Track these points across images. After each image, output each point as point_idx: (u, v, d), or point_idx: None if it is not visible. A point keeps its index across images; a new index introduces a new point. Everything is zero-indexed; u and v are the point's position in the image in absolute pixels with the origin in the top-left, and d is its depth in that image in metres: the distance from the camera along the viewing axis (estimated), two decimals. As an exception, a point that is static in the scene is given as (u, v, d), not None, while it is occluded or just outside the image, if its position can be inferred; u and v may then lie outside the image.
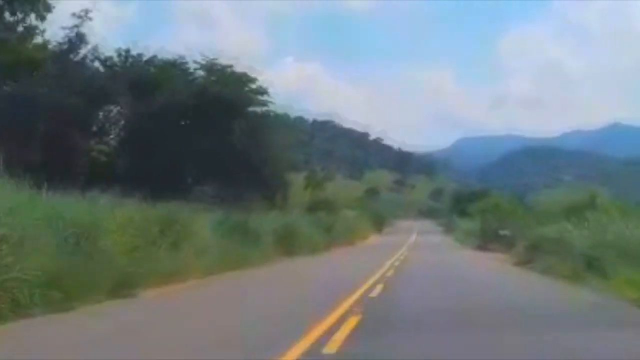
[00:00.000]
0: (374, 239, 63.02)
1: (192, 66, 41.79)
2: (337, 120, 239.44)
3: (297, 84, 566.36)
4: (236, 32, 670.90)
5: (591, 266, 17.38)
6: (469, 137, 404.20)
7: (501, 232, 39.48)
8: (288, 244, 32.49)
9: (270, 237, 29.65)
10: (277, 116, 48.07)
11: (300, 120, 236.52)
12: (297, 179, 64.11)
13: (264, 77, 43.27)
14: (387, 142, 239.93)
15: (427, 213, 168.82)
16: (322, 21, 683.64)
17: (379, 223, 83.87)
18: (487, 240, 42.77)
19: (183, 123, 40.22)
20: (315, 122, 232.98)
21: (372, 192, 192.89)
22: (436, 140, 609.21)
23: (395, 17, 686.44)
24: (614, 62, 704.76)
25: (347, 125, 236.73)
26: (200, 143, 38.93)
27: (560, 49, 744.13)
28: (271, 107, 43.48)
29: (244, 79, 41.83)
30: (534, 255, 25.26)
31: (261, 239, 27.62)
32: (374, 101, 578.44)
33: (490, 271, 25.90)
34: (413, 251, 39.32)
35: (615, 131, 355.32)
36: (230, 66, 41.94)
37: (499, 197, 76.63)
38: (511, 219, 40.68)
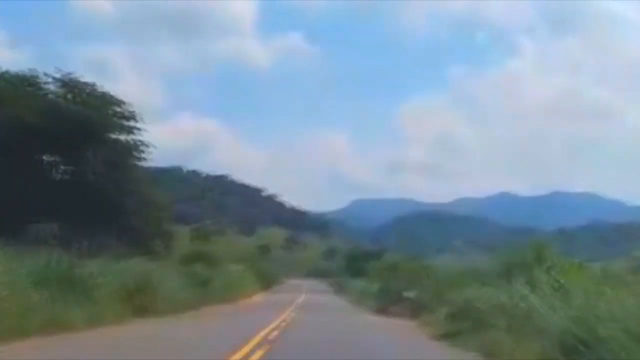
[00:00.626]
0: (260, 297, 55.54)
1: (44, 79, 33.87)
2: (232, 176, 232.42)
3: (193, 140, 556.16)
4: (133, 83, 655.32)
5: (571, 350, 10.72)
6: (364, 200, 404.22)
7: (405, 294, 33.00)
8: (141, 300, 24.84)
9: (112, 291, 21.95)
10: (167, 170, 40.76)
11: (193, 174, 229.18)
12: (184, 232, 60.85)
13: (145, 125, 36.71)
14: (281, 199, 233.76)
15: (319, 273, 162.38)
16: (223, 79, 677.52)
17: (267, 280, 76.14)
18: (387, 302, 36.35)
19: (27, 145, 32.13)
20: (208, 176, 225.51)
21: (264, 249, 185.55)
22: (330, 201, 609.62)
23: (296, 75, 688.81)
24: (504, 134, 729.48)
25: (241, 181, 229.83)
26: (48, 172, 31.47)
27: (454, 119, 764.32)
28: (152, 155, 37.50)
29: (107, 99, 34.49)
30: (460, 326, 18.57)
31: (93, 294, 19.86)
32: (270, 160, 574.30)
33: (404, 347, 18.88)
34: (301, 312, 32.50)
35: (503, 199, 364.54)
36: (92, 84, 34.61)
37: (395, 257, 71.12)
38: (415, 280, 34.52)
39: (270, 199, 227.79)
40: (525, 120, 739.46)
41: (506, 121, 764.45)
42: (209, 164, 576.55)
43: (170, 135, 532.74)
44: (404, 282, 36.46)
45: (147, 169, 38.25)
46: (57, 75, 33.99)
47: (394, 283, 38.41)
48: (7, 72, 34.03)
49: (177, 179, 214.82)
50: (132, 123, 35.33)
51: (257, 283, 65.51)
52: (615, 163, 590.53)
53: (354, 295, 56.18)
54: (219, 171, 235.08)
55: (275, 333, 19.47)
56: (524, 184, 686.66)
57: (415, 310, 28.92)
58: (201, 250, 49.62)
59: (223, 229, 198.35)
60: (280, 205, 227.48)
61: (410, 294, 31.81)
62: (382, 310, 35.53)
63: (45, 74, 33.75)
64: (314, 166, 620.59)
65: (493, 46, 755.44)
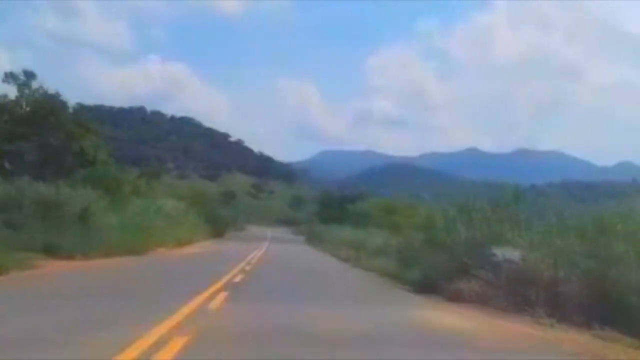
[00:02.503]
0: (200, 246, 40.43)
1: None
2: (197, 119, 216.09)
3: (160, 84, 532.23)
4: (100, 24, 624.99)
5: None
6: (329, 151, 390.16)
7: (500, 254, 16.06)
8: None
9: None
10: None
11: (157, 115, 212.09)
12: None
13: None
14: (248, 145, 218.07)
15: (286, 221, 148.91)
16: (191, 22, 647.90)
17: (220, 226, 60.80)
18: (448, 272, 17.85)
19: None
20: (173, 118, 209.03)
21: (228, 195, 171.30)
22: (297, 151, 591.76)
23: (266, 24, 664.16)
24: (474, 91, 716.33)
25: (207, 125, 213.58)
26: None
27: (423, 73, 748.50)
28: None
29: None
30: None
31: None
32: (237, 107, 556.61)
33: None
34: (253, 284, 16.66)
35: (471, 156, 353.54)
36: None
37: (382, 200, 56.91)
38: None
39: (238, 144, 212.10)
40: (494, 77, 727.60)
41: (475, 77, 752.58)
42: (176, 109, 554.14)
43: (136, 79, 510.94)
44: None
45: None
46: None
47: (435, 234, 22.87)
48: None
49: (139, 120, 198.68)
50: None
51: (205, 228, 50.80)
52: (582, 123, 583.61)
53: (334, 247, 41.54)
54: (184, 113, 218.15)
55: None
56: (491, 141, 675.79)
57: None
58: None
59: (186, 173, 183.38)
60: (248, 151, 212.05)
61: (513, 254, 15.56)
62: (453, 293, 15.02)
63: None
64: (281, 115, 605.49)
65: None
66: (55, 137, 37.36)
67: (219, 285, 14.56)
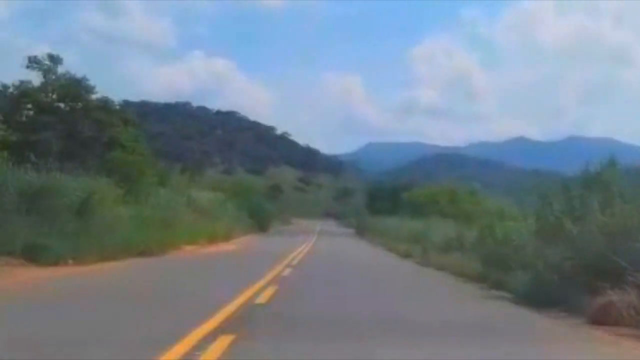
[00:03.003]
0: (242, 241, 35.81)
1: None
2: (242, 113, 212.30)
3: (204, 79, 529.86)
4: (145, 22, 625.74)
5: None
6: (376, 143, 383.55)
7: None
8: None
9: None
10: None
11: (202, 110, 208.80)
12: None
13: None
14: (293, 138, 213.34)
15: (333, 214, 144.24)
16: (235, 18, 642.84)
17: (264, 219, 56.03)
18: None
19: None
20: (219, 112, 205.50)
21: (275, 189, 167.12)
22: (343, 144, 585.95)
23: (309, 18, 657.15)
24: (520, 78, 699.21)
25: (253, 118, 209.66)
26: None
27: (468, 62, 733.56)
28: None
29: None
30: None
31: None
32: (282, 101, 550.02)
33: None
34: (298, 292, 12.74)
35: (519, 144, 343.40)
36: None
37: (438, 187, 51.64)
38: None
39: (283, 137, 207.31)
40: (541, 63, 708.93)
41: (521, 64, 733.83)
42: (221, 104, 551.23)
43: (181, 75, 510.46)
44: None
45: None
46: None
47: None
48: None
49: (185, 115, 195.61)
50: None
51: (247, 222, 46.13)
52: (633, 107, 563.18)
53: (389, 240, 36.41)
54: (229, 108, 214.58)
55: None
56: (539, 129, 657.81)
57: None
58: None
59: (232, 167, 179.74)
60: (293, 144, 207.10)
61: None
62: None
63: None
64: (326, 108, 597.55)
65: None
66: (82, 125, 33.66)
67: (230, 310, 9.38)
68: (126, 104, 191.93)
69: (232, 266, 19.31)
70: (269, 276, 14.66)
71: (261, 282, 13.00)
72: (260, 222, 51.71)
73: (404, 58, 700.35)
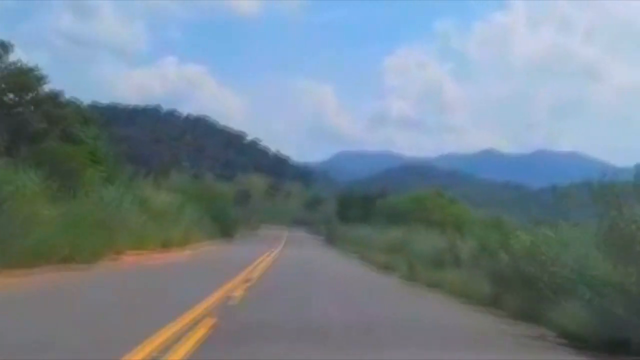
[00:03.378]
0: (200, 248, 31.86)
1: None
2: (213, 118, 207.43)
3: (175, 85, 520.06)
4: (116, 25, 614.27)
5: None
6: (347, 152, 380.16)
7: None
8: None
9: None
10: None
11: (172, 114, 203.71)
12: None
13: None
14: (264, 145, 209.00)
15: (303, 222, 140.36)
16: (207, 23, 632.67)
17: (229, 225, 51.79)
18: None
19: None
20: (188, 117, 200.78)
21: (244, 195, 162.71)
22: (313, 152, 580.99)
23: (282, 24, 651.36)
24: (491, 91, 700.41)
25: (223, 123, 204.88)
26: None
27: (440, 74, 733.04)
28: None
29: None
30: None
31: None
32: (254, 108, 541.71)
33: None
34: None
35: (489, 157, 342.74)
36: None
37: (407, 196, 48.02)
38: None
39: (253, 144, 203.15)
40: (512, 77, 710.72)
41: (492, 77, 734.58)
42: (191, 109, 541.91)
43: (152, 80, 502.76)
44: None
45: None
46: None
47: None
48: None
49: (154, 119, 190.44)
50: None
51: (210, 228, 42.11)
52: (601, 123, 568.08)
53: (362, 249, 32.69)
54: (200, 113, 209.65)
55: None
56: (509, 142, 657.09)
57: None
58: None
59: (202, 172, 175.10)
60: (263, 151, 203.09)
61: None
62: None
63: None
64: (297, 116, 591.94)
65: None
66: (31, 118, 30.64)
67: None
68: (94, 105, 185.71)
69: (168, 284, 15.29)
70: (211, 300, 10.76)
71: (193, 313, 9.02)
72: (224, 228, 47.62)
73: (377, 68, 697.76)
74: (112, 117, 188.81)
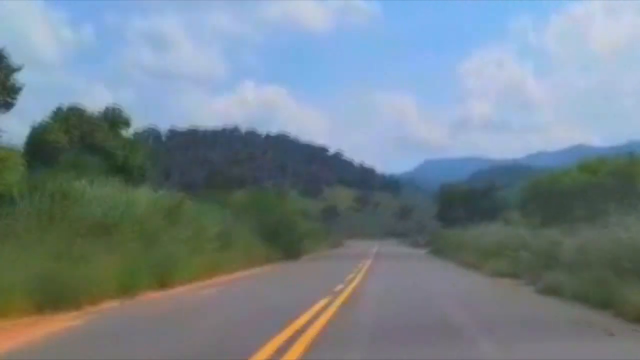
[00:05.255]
0: (243, 278, 18.11)
1: None
2: (293, 135, 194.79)
3: (257, 108, 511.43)
4: (193, 54, 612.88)
5: None
6: (433, 160, 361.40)
7: None
8: None
9: None
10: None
11: (252, 134, 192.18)
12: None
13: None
14: (348, 157, 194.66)
15: (394, 234, 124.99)
16: (281, 43, 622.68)
17: (290, 242, 35.44)
18: None
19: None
20: (268, 136, 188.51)
21: (330, 211, 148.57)
22: (399, 163, 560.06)
23: (356, 38, 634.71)
24: (573, 84, 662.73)
25: (304, 140, 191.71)
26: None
27: (520, 72, 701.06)
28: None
29: None
30: None
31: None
32: (335, 124, 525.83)
33: None
34: None
35: (579, 152, 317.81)
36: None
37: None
38: None
39: (336, 157, 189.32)
40: (595, 68, 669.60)
41: (574, 70, 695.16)
42: (272, 130, 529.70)
43: (233, 106, 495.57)
44: None
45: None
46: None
47: None
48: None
49: (234, 140, 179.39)
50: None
51: (262, 248, 27.37)
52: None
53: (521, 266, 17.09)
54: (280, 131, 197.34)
55: None
56: (599, 135, 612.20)
57: None
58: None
59: (284, 190, 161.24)
60: (348, 163, 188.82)
61: None
62: None
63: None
64: (379, 128, 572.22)
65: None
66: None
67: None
68: (173, 132, 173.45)
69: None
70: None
71: None
72: (287, 247, 32.64)
73: (455, 73, 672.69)
74: (192, 141, 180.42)
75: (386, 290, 15.09)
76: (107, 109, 27.29)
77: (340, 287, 14.61)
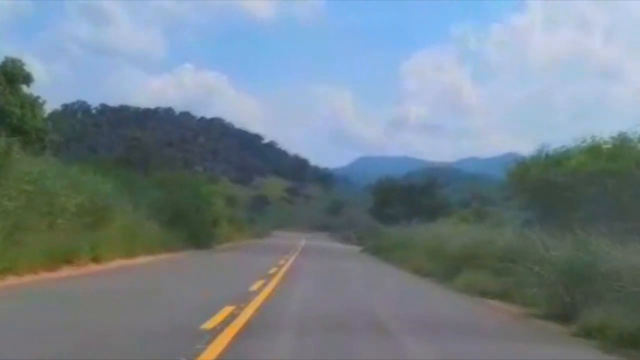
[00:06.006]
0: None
1: None
2: (228, 120, 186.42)
3: (194, 91, 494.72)
4: (132, 32, 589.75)
5: None
6: (367, 157, 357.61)
7: None
8: None
9: None
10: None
11: (186, 116, 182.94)
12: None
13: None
14: (282, 147, 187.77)
15: (324, 228, 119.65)
16: (223, 29, 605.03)
17: (201, 229, 28.25)
18: None
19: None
20: (203, 119, 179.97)
21: (261, 200, 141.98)
22: (333, 158, 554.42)
23: (299, 29, 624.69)
24: (511, 94, 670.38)
25: (238, 126, 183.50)
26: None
27: (458, 77, 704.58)
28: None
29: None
30: None
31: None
32: (271, 114, 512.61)
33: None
34: None
35: (511, 159, 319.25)
36: None
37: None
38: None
39: (271, 146, 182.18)
40: (531, 79, 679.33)
41: (512, 79, 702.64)
42: (206, 114, 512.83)
43: (169, 87, 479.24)
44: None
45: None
46: None
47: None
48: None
49: (166, 121, 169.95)
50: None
51: (168, 233, 20.94)
52: (622, 124, 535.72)
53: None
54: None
55: None
56: (531, 144, 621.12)
57: None
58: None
59: (215, 175, 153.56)
60: (282, 153, 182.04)
61: None
62: None
63: None
64: (316, 122, 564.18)
65: (498, 0, 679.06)
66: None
67: None
68: (103, 107, 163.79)
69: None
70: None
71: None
72: (195, 233, 25.84)
73: (395, 73, 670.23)
74: (122, 119, 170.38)
75: (310, 317, 8.66)
76: (6, 59, 23.48)
77: (229, 308, 8.12)
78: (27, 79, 23.86)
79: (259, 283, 12.14)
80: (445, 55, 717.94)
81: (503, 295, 11.57)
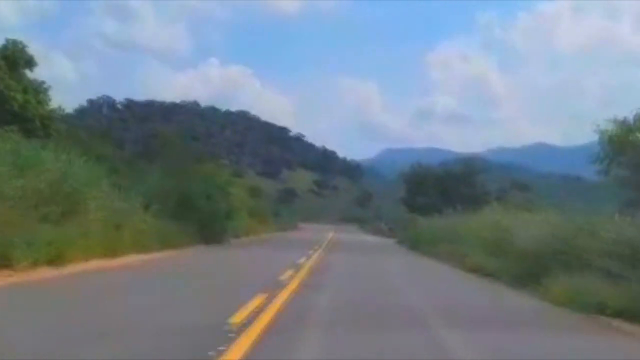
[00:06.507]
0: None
1: None
2: (254, 113, 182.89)
3: (220, 86, 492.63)
4: (157, 28, 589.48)
5: None
6: (394, 149, 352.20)
7: None
8: None
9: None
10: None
11: (212, 109, 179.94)
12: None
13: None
14: (309, 140, 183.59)
15: (352, 220, 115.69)
16: (248, 24, 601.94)
17: (212, 222, 23.39)
18: None
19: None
20: (228, 112, 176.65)
21: (288, 193, 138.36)
22: (360, 150, 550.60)
23: (325, 23, 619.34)
24: (539, 82, 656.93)
25: (264, 119, 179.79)
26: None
27: (485, 66, 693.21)
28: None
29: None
30: None
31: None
32: (297, 107, 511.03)
33: None
34: None
35: (539, 150, 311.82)
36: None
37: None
38: None
39: (298, 139, 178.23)
40: (559, 67, 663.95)
41: (539, 68, 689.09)
42: (233, 107, 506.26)
43: (196, 82, 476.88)
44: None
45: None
46: None
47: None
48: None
49: (192, 114, 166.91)
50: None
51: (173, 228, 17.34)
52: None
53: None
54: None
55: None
56: (560, 133, 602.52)
57: None
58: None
59: (241, 169, 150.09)
60: (309, 146, 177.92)
61: None
62: None
63: None
64: (342, 114, 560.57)
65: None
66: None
67: None
68: (129, 102, 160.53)
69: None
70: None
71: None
72: (205, 226, 22.00)
73: (421, 64, 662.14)
74: (149, 113, 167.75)
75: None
76: (7, 41, 22.12)
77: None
78: (30, 62, 22.39)
79: (251, 303, 7.88)
80: (471, 45, 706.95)
81: (633, 313, 7.45)
